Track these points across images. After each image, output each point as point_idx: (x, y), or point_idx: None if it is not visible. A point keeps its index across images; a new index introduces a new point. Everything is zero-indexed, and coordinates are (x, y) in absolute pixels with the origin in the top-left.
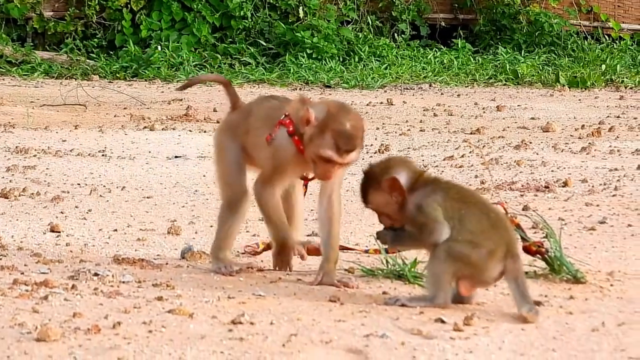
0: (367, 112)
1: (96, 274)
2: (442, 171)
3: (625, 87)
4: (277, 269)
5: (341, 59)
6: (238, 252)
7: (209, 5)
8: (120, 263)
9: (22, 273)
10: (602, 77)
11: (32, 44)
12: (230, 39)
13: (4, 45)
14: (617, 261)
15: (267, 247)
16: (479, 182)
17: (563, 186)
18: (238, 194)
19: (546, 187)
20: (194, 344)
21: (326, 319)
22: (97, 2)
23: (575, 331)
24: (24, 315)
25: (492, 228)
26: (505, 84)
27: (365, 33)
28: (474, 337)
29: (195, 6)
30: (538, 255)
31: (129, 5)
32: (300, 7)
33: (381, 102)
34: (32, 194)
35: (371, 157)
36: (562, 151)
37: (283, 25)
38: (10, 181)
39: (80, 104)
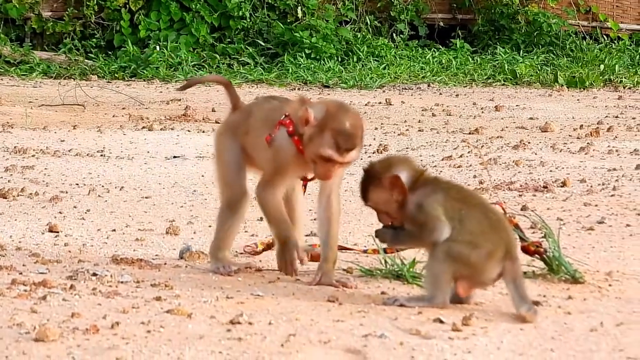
0: (365, 112)
1: (94, 274)
2: (441, 171)
3: (624, 87)
4: (281, 270)
5: (340, 59)
6: (236, 252)
7: (208, 5)
8: (119, 263)
9: (21, 273)
10: (601, 77)
11: (30, 44)
12: (229, 39)
13: (3, 45)
14: (615, 261)
15: (267, 247)
16: (478, 182)
17: (561, 186)
18: (238, 195)
19: (545, 187)
20: (192, 344)
21: (325, 319)
22: (95, 2)
23: (574, 331)
24: (22, 316)
25: (492, 229)
26: (503, 84)
27: (363, 33)
28: (473, 337)
29: (193, 6)
30: (536, 255)
31: (127, 6)
32: (299, 7)
33: (380, 102)
34: (31, 194)
35: (369, 157)
36: (560, 151)
37: (281, 25)
38: (8, 181)
39: (78, 104)
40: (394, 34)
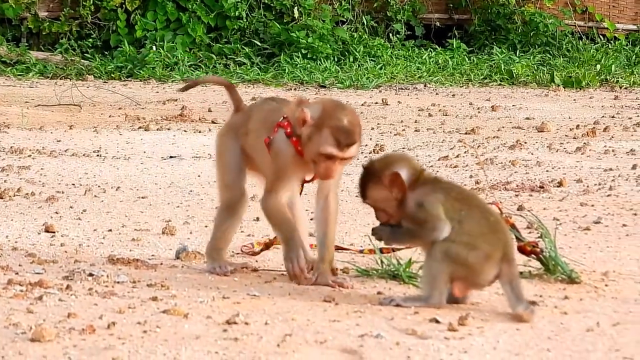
0: (362, 112)
1: (91, 274)
2: (437, 171)
3: (620, 87)
4: (290, 273)
5: (336, 59)
6: (233, 252)
7: (204, 5)
8: (115, 263)
9: (17, 273)
10: (597, 77)
11: (26, 44)
12: (225, 39)
13: None
14: (611, 261)
15: (266, 247)
16: (474, 182)
17: (558, 186)
18: (236, 196)
19: (541, 187)
20: (188, 344)
21: (321, 319)
22: (92, 2)
23: (570, 331)
24: (18, 316)
25: (490, 231)
26: (500, 84)
27: (360, 33)
28: (469, 337)
29: (190, 6)
30: (533, 255)
31: (123, 6)
32: (295, 7)
33: (376, 102)
34: (27, 194)
35: (366, 157)
36: (557, 151)
37: (278, 25)
38: (5, 181)
39: (75, 104)
40: (391, 34)
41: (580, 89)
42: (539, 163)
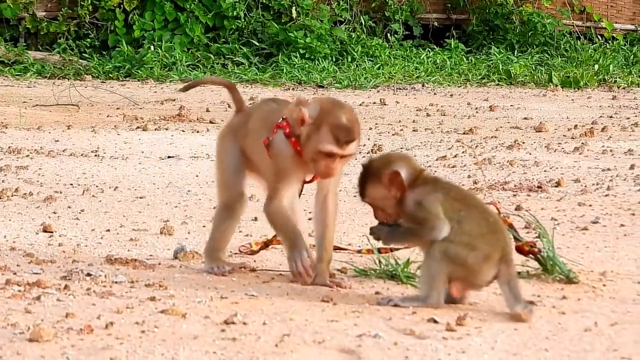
0: (360, 112)
1: (89, 274)
2: (435, 171)
3: (618, 87)
4: (294, 276)
5: (334, 59)
6: (231, 252)
7: (202, 5)
8: (113, 263)
9: (15, 273)
10: (595, 77)
11: (24, 44)
12: (223, 39)
13: None
14: (609, 261)
15: (265, 246)
16: (472, 182)
17: (556, 186)
18: (235, 196)
19: (539, 187)
20: (186, 344)
21: (319, 319)
22: (89, 2)
23: (568, 331)
24: (16, 316)
25: (489, 232)
26: (498, 84)
27: (358, 33)
28: (467, 337)
29: (188, 6)
30: (531, 255)
31: (121, 5)
32: (293, 7)
33: (374, 102)
34: (25, 194)
35: (363, 157)
36: (554, 151)
37: (276, 25)
38: (2, 181)
39: (73, 104)
40: (389, 34)
41: (578, 89)
42: (537, 163)
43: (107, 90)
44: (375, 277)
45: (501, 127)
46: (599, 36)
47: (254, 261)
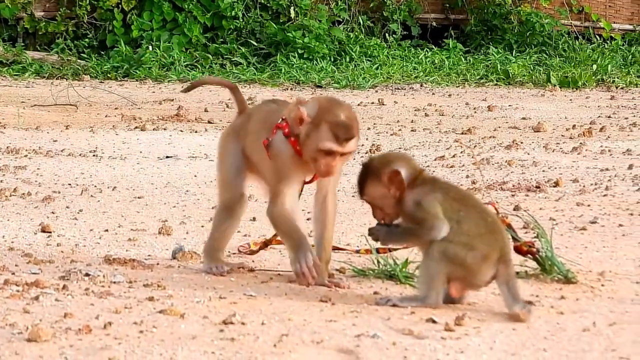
0: (358, 113)
1: (87, 274)
2: (434, 171)
3: (617, 87)
4: (298, 278)
5: (332, 59)
6: (229, 252)
7: (200, 5)
8: (111, 263)
9: (13, 273)
10: (593, 77)
11: (23, 44)
12: (222, 39)
13: None
14: (608, 261)
15: (264, 245)
16: (470, 182)
17: (554, 186)
18: (235, 197)
19: (537, 187)
20: (185, 344)
21: (317, 319)
22: (88, 2)
23: (567, 331)
24: (14, 316)
25: (488, 232)
26: (496, 84)
27: (356, 33)
28: (465, 337)
29: (186, 6)
30: (529, 255)
31: (120, 5)
32: (292, 7)
33: (372, 102)
34: (23, 194)
35: (362, 157)
36: (553, 151)
37: (274, 25)
38: (1, 181)
39: (71, 104)
40: (387, 34)
41: (577, 89)
42: (535, 163)
43: (105, 90)
44: (374, 277)
45: (499, 127)
46: (597, 36)
47: (253, 261)
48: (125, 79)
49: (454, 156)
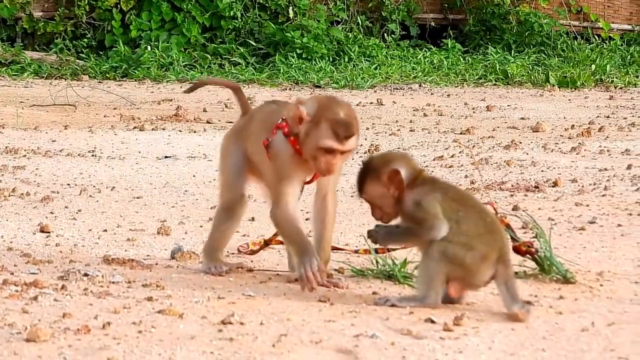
0: (357, 112)
1: (86, 275)
2: (432, 171)
3: (615, 87)
4: (302, 283)
5: (331, 59)
6: (228, 252)
7: (199, 5)
8: (110, 263)
9: (12, 273)
10: (592, 77)
11: (21, 44)
12: (220, 39)
13: None
14: (606, 261)
15: (265, 245)
16: (469, 182)
17: (553, 186)
18: (235, 198)
19: (536, 187)
20: (183, 344)
21: (316, 319)
22: (86, 2)
23: (565, 331)
24: (13, 316)
25: (487, 232)
26: (495, 84)
27: (355, 33)
28: (464, 337)
29: (185, 6)
30: (528, 255)
31: (118, 6)
32: (290, 7)
33: (371, 102)
34: (22, 194)
35: (360, 157)
36: (552, 151)
37: (273, 25)
38: None
39: (70, 104)
40: (386, 34)
41: (575, 89)
42: (534, 163)
43: (104, 90)
44: (373, 277)
45: (498, 127)
46: (595, 36)
47: (251, 261)
48: (124, 79)
49: (452, 156)
